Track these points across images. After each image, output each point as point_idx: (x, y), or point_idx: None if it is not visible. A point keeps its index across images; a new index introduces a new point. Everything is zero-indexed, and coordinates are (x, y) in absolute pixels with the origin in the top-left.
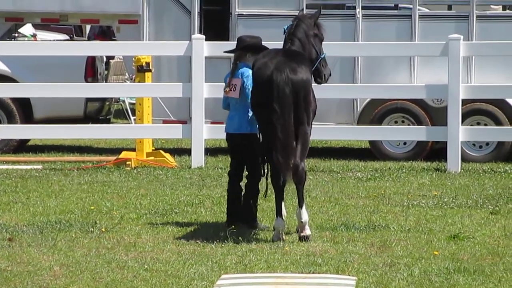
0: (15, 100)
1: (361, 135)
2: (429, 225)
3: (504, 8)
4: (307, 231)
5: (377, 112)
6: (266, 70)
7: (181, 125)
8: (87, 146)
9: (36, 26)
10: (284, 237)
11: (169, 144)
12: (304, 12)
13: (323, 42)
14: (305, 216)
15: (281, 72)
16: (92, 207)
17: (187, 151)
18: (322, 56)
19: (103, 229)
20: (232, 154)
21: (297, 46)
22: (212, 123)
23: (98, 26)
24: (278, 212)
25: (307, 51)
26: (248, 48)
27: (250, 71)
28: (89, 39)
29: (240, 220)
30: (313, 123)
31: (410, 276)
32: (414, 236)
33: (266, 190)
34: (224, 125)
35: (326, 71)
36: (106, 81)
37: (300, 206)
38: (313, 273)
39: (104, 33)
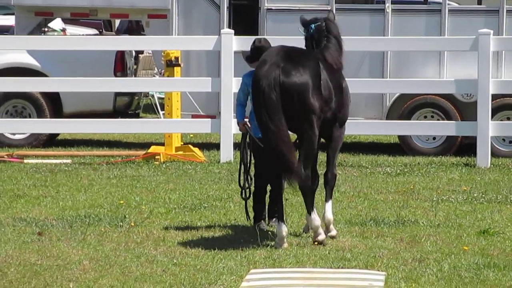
0: (44, 94)
1: (390, 130)
2: (458, 220)
3: None
4: (320, 236)
5: (406, 107)
6: (258, 72)
7: (210, 119)
8: (116, 140)
9: (65, 21)
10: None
11: (198, 138)
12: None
13: (353, 37)
14: (316, 222)
15: (268, 76)
16: (121, 202)
17: (216, 146)
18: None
19: (132, 224)
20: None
21: (334, 44)
22: None
23: (126, 23)
24: (280, 217)
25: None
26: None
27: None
28: (117, 34)
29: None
30: None
31: (439, 271)
32: (443, 231)
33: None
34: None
35: None
36: (135, 76)
37: (309, 212)
38: (342, 268)
39: (131, 30)
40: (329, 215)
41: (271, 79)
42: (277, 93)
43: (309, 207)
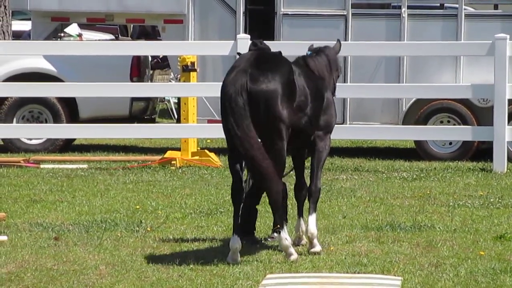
0: (61, 99)
1: (406, 135)
2: (475, 225)
3: None
4: (293, 256)
5: (422, 112)
6: (226, 78)
7: None
8: (132, 145)
9: (81, 26)
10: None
11: (214, 143)
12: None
13: (369, 42)
14: (284, 242)
15: (235, 81)
16: (137, 207)
17: None
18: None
19: (149, 228)
20: None
21: (322, 58)
22: None
23: (139, 27)
24: (235, 230)
25: (332, 74)
26: None
27: None
28: (132, 39)
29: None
30: (358, 123)
31: (456, 276)
32: (460, 237)
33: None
34: None
35: None
36: (151, 81)
37: (275, 230)
38: (358, 273)
39: (145, 36)
40: (313, 228)
41: (238, 86)
42: (244, 99)
43: (281, 223)
